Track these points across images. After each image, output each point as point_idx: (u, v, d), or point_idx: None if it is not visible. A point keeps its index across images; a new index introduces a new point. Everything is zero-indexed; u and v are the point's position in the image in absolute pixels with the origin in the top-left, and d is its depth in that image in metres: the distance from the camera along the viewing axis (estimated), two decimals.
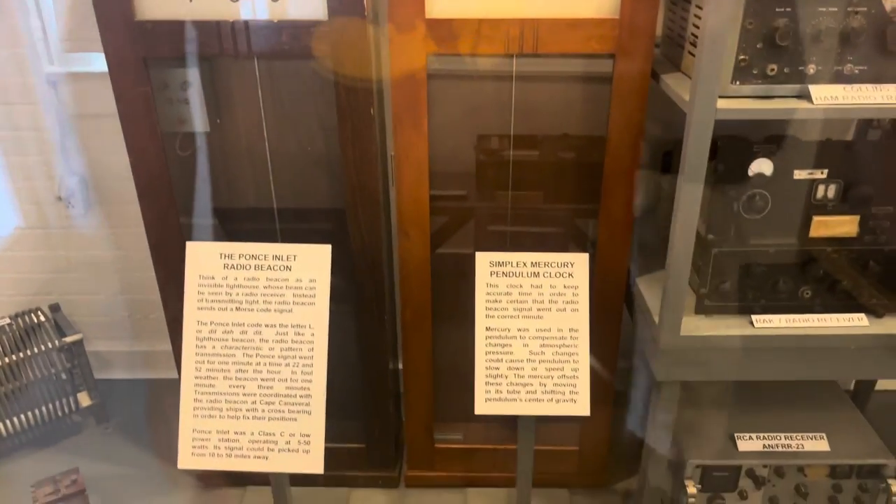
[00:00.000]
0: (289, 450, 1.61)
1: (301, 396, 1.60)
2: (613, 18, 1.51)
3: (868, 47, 1.34)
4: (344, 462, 2.02)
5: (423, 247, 1.74)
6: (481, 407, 1.62)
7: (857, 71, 1.35)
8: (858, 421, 1.89)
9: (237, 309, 1.57)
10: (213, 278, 1.57)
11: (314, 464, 1.61)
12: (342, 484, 2.04)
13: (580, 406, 1.62)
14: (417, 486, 2.05)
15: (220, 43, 1.51)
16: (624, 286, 1.79)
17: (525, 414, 1.63)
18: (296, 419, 1.61)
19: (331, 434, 2.07)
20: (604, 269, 1.76)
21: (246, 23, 1.49)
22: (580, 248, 1.88)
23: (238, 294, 1.57)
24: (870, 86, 1.35)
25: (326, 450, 2.03)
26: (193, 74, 1.64)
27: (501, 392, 1.62)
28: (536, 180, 1.85)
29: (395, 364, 1.94)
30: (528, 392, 1.62)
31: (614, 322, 1.82)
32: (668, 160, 1.81)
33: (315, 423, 1.61)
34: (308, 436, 1.61)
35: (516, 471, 1.79)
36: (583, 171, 1.79)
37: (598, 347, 1.84)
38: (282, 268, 1.57)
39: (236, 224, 1.87)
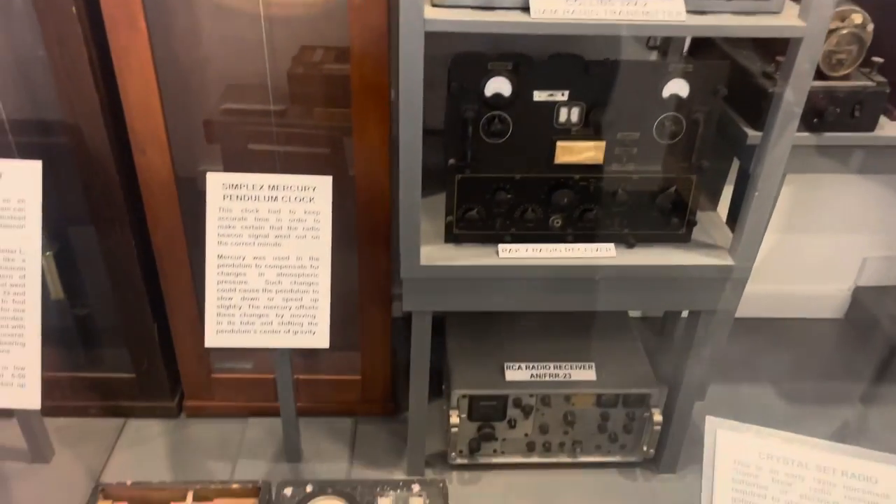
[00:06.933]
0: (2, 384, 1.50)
1: (13, 327, 1.48)
2: None
3: None
4: (117, 392, 1.92)
5: (164, 164, 1.59)
6: (212, 339, 1.52)
7: None
8: (635, 350, 1.88)
9: None
10: None
11: (30, 399, 1.51)
12: (117, 414, 1.95)
13: (319, 338, 1.54)
14: (197, 416, 1.97)
15: None
16: (387, 210, 1.69)
17: (259, 346, 1.54)
18: (9, 351, 1.49)
19: (96, 363, 1.98)
20: (365, 193, 1.65)
21: None
22: (336, 169, 1.74)
23: None
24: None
25: (94, 380, 1.93)
26: None
27: (234, 324, 1.52)
28: (295, 93, 1.67)
29: (157, 290, 1.81)
30: (263, 323, 1.53)
31: (382, 247, 1.72)
32: None
33: (30, 355, 1.49)
34: (23, 368, 1.50)
35: (279, 401, 1.72)
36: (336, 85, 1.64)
37: (367, 273, 1.75)
38: None
39: None
